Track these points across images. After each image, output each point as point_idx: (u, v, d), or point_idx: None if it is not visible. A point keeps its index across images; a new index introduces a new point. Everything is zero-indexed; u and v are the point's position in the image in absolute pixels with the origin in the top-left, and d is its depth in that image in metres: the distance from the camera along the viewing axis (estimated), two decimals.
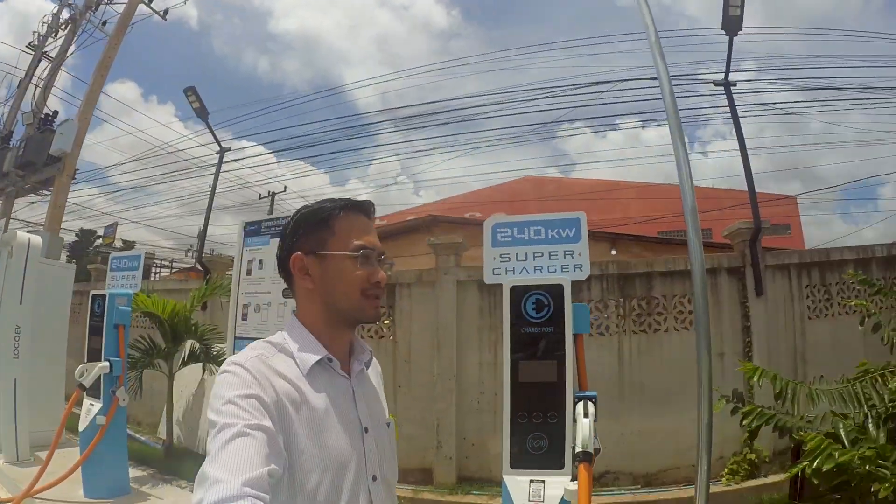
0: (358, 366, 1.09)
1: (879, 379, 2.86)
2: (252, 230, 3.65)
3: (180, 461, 5.26)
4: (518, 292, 2.47)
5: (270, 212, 21.80)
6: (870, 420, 2.63)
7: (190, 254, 25.33)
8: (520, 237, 2.78)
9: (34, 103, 11.24)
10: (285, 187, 22.58)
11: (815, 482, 2.41)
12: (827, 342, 5.62)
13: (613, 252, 13.25)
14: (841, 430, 2.56)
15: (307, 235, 1.06)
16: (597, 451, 2.57)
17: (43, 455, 4.97)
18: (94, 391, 4.29)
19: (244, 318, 3.52)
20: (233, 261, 6.91)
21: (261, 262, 3.58)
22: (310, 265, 1.04)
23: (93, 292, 4.69)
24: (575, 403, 2.30)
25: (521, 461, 2.28)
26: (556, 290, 2.41)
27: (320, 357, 1.00)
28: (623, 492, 4.92)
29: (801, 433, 2.66)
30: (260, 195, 21.89)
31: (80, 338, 6.93)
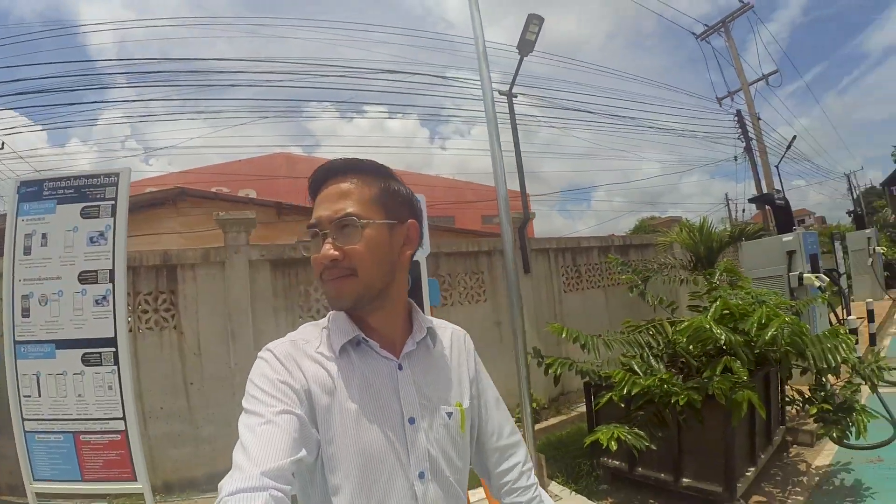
0: (410, 345, 0.96)
1: (652, 329, 3.82)
2: (30, 193, 2.72)
3: None
4: None
5: None
6: (651, 358, 3.50)
7: None
8: None
9: None
10: (3, 143, 17.12)
11: (623, 406, 3.17)
12: (579, 310, 7.09)
13: None
14: (635, 366, 3.38)
15: None
16: None
17: None
18: None
19: (25, 314, 2.61)
20: None
21: (44, 235, 2.73)
22: None
23: None
24: None
25: None
26: (413, 267, 2.51)
27: (350, 338, 0.91)
28: None
29: (605, 371, 3.42)
30: None
31: None
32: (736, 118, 15.60)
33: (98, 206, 2.80)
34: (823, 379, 3.44)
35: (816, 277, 5.27)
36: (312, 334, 0.94)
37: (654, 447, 3.09)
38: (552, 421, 5.62)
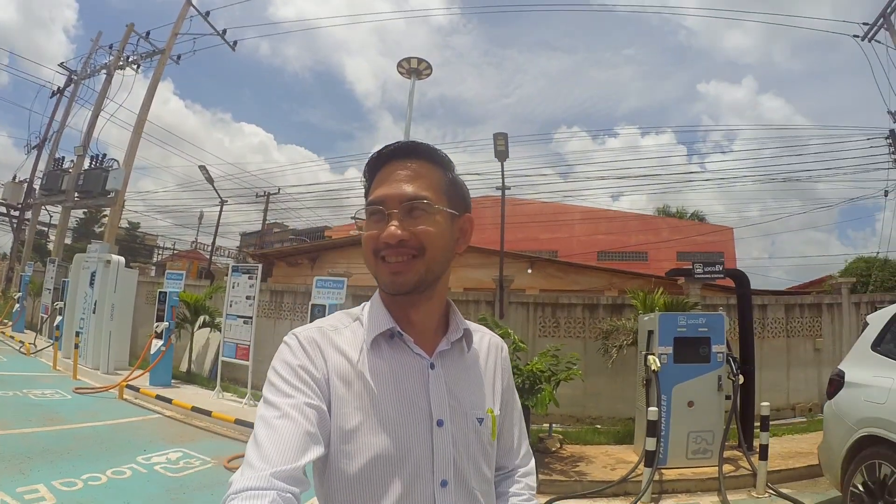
0: (444, 344, 0.92)
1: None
2: (234, 269, 8.66)
3: (194, 378, 10.17)
4: None
5: (265, 216, 24.29)
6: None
7: (195, 244, 30.83)
8: None
9: (82, 136, 16.94)
10: (279, 189, 25.47)
11: None
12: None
13: (529, 271, 15.49)
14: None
15: (365, 197, 0.91)
16: None
17: (119, 370, 9.84)
18: (158, 336, 9.20)
19: (230, 306, 8.53)
20: (226, 268, 12.15)
21: (236, 285, 8.56)
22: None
23: (159, 290, 9.72)
24: None
25: None
26: None
27: (384, 329, 0.88)
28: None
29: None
30: (256, 194, 24.35)
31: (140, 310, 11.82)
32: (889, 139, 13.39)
33: (251, 275, 8.55)
34: None
35: (653, 360, 5.47)
36: (342, 322, 0.92)
37: None
38: None
